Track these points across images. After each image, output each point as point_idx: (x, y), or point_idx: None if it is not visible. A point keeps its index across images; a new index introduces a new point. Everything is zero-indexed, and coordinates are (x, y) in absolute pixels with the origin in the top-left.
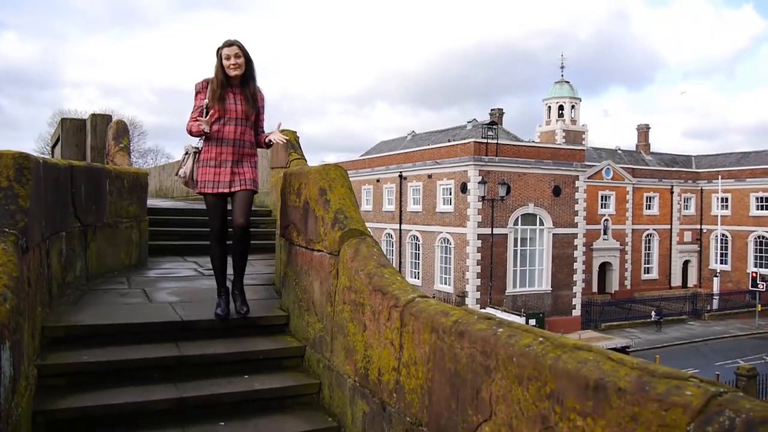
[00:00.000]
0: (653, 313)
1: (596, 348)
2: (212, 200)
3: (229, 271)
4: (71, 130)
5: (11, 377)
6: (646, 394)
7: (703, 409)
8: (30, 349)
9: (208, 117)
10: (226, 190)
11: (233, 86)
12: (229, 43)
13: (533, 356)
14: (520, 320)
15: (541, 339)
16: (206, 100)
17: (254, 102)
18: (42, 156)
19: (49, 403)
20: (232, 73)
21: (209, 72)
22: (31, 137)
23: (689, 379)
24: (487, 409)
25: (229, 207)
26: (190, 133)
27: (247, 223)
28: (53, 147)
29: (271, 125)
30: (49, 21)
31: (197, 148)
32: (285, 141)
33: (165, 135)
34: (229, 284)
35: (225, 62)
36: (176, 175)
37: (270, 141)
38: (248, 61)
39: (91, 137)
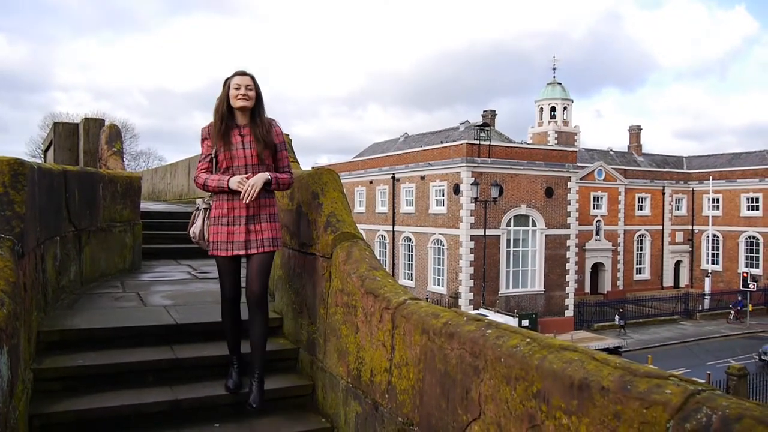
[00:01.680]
0: (617, 317)
1: (581, 348)
2: (224, 263)
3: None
4: (64, 134)
5: (9, 381)
6: (628, 392)
7: (682, 407)
8: (26, 354)
9: (237, 178)
10: (242, 252)
11: (240, 126)
12: (241, 72)
13: (520, 357)
14: (513, 321)
15: (528, 340)
16: (215, 148)
17: (268, 139)
18: (36, 162)
19: (46, 406)
20: (239, 103)
21: (207, 86)
22: (21, 140)
23: (669, 378)
24: (477, 409)
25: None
26: (204, 187)
27: (264, 291)
28: (45, 151)
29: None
30: (38, 24)
31: (209, 203)
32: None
33: (157, 137)
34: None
35: (233, 92)
36: (188, 232)
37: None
38: (258, 96)
39: (84, 141)
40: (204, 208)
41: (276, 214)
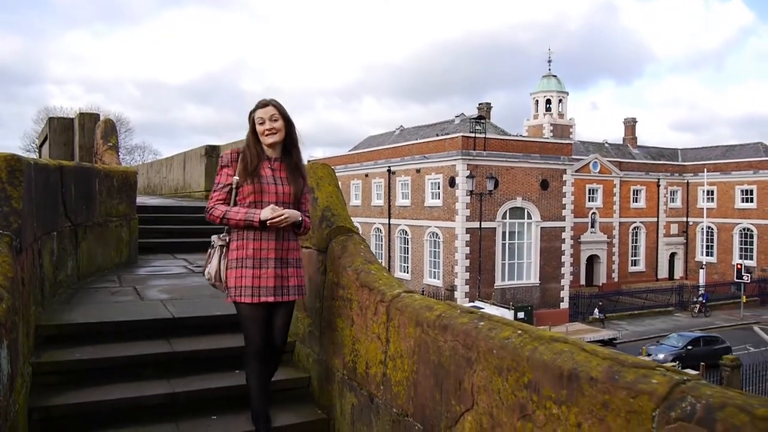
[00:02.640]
0: (596, 311)
1: (571, 340)
2: (251, 312)
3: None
4: (59, 129)
5: (9, 374)
6: (616, 382)
7: (668, 396)
8: (25, 348)
9: (268, 209)
10: (271, 299)
11: (271, 159)
12: (262, 104)
13: (512, 348)
14: (508, 313)
15: (519, 332)
16: (236, 177)
17: (301, 177)
18: (32, 157)
19: (44, 399)
20: (269, 140)
21: (196, 65)
22: (15, 134)
23: (656, 368)
24: (469, 399)
25: None
26: (222, 220)
27: (285, 343)
28: (41, 146)
29: None
30: (29, 16)
31: (225, 239)
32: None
33: (151, 130)
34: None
35: (259, 128)
36: (202, 274)
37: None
38: (288, 124)
39: (80, 136)
40: (220, 246)
41: (301, 260)
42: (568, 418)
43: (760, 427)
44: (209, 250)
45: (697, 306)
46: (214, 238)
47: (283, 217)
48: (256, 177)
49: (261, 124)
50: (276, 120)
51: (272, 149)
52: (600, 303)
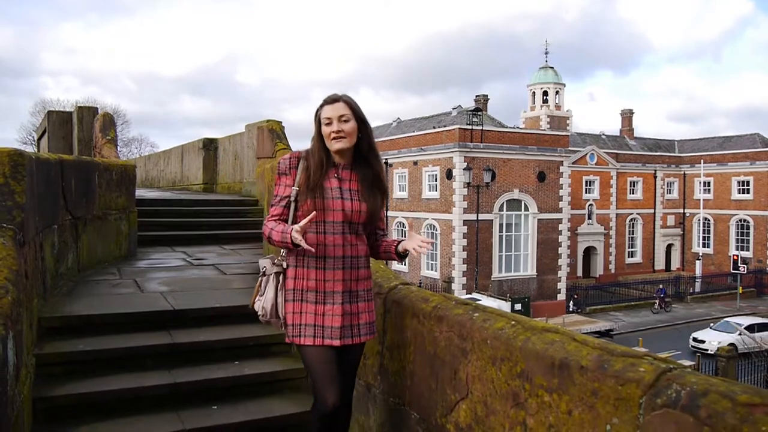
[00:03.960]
0: (571, 304)
1: (563, 330)
2: (316, 356)
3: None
4: (57, 122)
5: (15, 365)
6: (605, 371)
7: (654, 384)
8: (28, 339)
9: (304, 223)
10: (336, 343)
11: (339, 166)
12: (330, 100)
13: (505, 338)
14: (505, 305)
15: (513, 323)
16: (295, 188)
17: (379, 192)
18: (34, 152)
19: (48, 390)
20: (335, 146)
21: (192, 57)
22: (10, 126)
23: (644, 357)
24: (464, 388)
25: None
26: (270, 241)
27: (350, 402)
28: (39, 139)
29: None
30: (21, 7)
31: (281, 264)
32: (429, 248)
33: (147, 123)
34: None
35: (325, 129)
36: (251, 307)
37: (405, 250)
38: (362, 126)
39: (78, 130)
40: (276, 273)
41: (371, 290)
42: (559, 405)
43: (741, 412)
44: (260, 278)
45: (657, 301)
46: (265, 263)
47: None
48: (318, 188)
49: (328, 124)
50: (347, 121)
51: (341, 155)
52: (574, 296)
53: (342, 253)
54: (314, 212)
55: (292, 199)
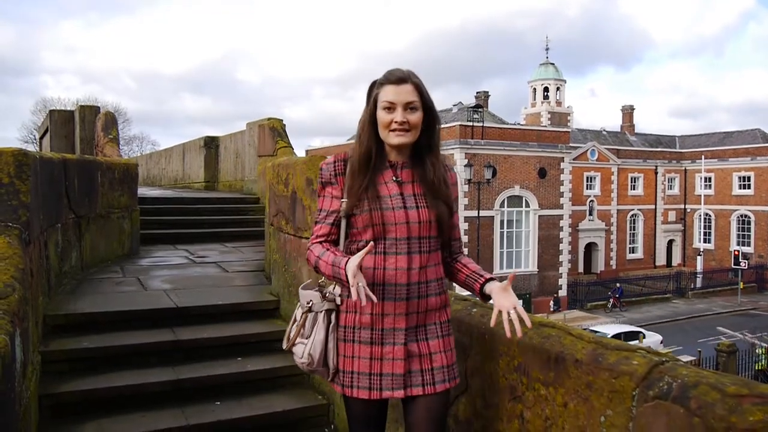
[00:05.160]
0: (551, 303)
1: (559, 324)
2: (363, 411)
3: None
4: (60, 121)
5: (22, 362)
6: (599, 364)
7: (647, 376)
8: (34, 337)
9: (360, 259)
10: (399, 395)
11: (395, 165)
12: (396, 78)
13: (502, 333)
14: None
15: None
16: (344, 200)
17: (446, 195)
18: (37, 151)
19: (54, 386)
20: (395, 140)
21: (193, 53)
22: (11, 125)
23: (637, 350)
24: (463, 383)
25: None
26: (317, 272)
27: None
28: (41, 138)
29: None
30: (21, 5)
31: (333, 298)
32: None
33: (148, 121)
34: None
35: (383, 115)
36: (288, 350)
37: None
38: (431, 117)
39: (80, 129)
40: (326, 310)
41: (449, 322)
42: (555, 398)
43: (730, 403)
44: (301, 314)
45: (611, 301)
46: (311, 295)
47: (362, 293)
48: (372, 197)
49: (388, 110)
50: (414, 109)
51: (398, 151)
52: (555, 295)
53: (407, 280)
54: (371, 244)
55: (342, 215)
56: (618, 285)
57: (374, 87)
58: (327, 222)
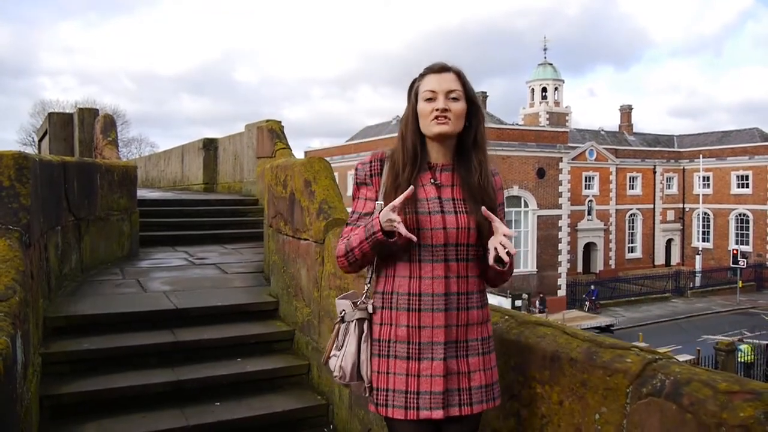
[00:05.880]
0: (537, 304)
1: (554, 323)
2: (403, 430)
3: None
4: (59, 124)
5: (23, 364)
6: (594, 362)
7: (641, 374)
8: (35, 338)
9: (400, 201)
10: (439, 414)
11: (435, 166)
12: (438, 68)
13: (500, 333)
14: (506, 301)
15: (506, 317)
16: (380, 202)
17: (491, 199)
18: (37, 154)
19: (54, 388)
20: (436, 129)
21: (193, 53)
22: (9, 127)
23: (631, 348)
24: None
25: None
26: (348, 256)
27: None
28: (40, 140)
29: None
30: (19, 6)
31: (366, 307)
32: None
33: (147, 122)
34: None
35: (424, 105)
36: (325, 364)
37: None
38: (474, 108)
39: (79, 131)
40: (358, 320)
41: (491, 338)
42: (551, 396)
43: (722, 399)
44: (335, 326)
45: (587, 303)
46: (344, 305)
47: (402, 228)
48: (408, 200)
49: (429, 100)
50: (456, 99)
51: (439, 148)
52: (540, 295)
53: (444, 289)
54: (411, 188)
55: (378, 214)
56: (593, 287)
57: (415, 82)
58: (359, 224)
